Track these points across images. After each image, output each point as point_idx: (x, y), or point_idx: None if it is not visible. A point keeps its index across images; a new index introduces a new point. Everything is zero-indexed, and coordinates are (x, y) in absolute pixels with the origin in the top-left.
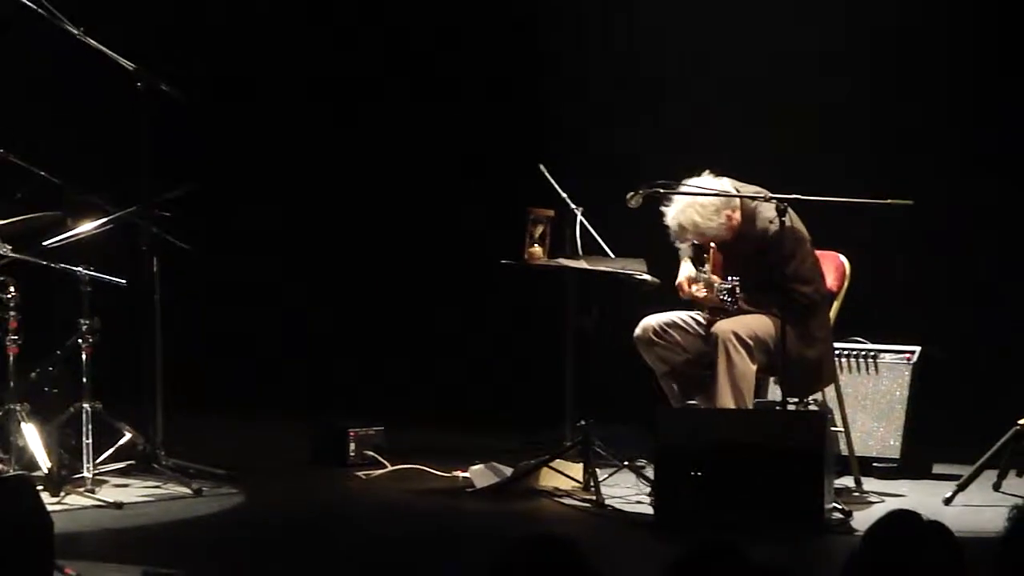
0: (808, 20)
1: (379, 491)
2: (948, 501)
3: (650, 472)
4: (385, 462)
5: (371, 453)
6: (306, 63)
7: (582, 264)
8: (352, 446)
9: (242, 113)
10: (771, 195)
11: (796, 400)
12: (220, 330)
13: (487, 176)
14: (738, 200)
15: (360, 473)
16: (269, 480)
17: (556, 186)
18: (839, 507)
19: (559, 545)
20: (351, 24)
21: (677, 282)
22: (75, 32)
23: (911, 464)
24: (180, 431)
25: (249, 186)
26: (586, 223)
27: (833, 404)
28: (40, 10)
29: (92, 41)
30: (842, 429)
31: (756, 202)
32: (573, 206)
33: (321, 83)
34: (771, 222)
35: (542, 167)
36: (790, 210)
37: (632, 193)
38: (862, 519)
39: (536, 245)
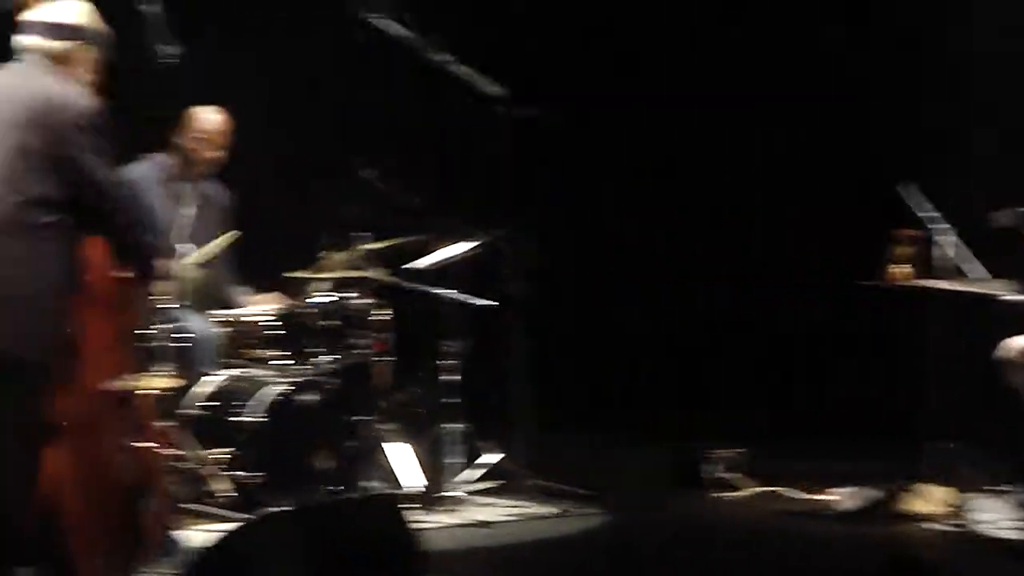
0: None
1: (741, 513)
2: None
3: (1018, 496)
4: (747, 484)
5: (733, 474)
6: (652, 80)
7: (943, 284)
8: (714, 467)
9: (600, 133)
10: None
11: None
12: (585, 351)
13: (848, 193)
14: None
15: (721, 495)
16: (631, 501)
17: (919, 205)
18: None
19: (923, 572)
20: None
21: None
22: (441, 59)
23: None
24: (546, 451)
25: (611, 206)
26: (950, 242)
27: None
28: (408, 37)
29: (459, 67)
30: None
31: None
32: (936, 226)
33: (661, 101)
34: None
35: (899, 188)
36: None
37: (999, 212)
38: None
39: (899, 265)
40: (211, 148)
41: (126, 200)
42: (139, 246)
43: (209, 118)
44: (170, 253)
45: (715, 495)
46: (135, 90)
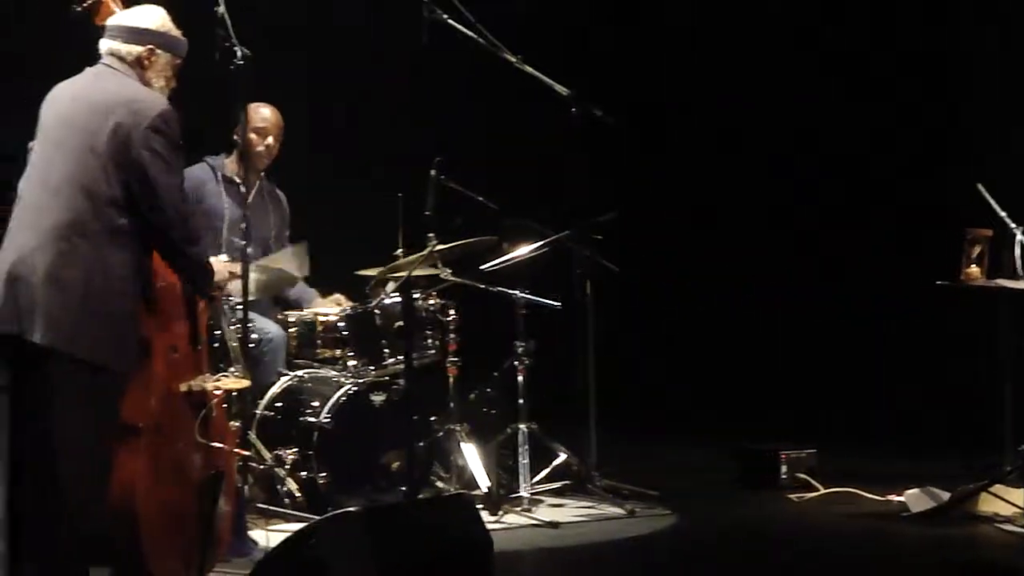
0: None
1: (811, 514)
2: None
3: None
4: (817, 485)
5: (803, 475)
6: (725, 85)
7: (1021, 285)
8: (783, 468)
9: (669, 136)
10: None
11: None
12: (656, 351)
13: (924, 192)
14: None
15: (792, 496)
16: (701, 502)
17: (995, 205)
18: None
19: (998, 574)
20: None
21: None
22: (512, 60)
23: None
24: (614, 452)
25: (680, 207)
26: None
27: None
28: (480, 39)
29: (528, 68)
30: None
31: None
32: (1013, 225)
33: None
34: None
35: (980, 187)
36: None
37: None
38: None
39: (973, 265)
40: (270, 136)
41: (184, 211)
42: (192, 257)
43: (264, 110)
44: (235, 255)
45: (787, 496)
46: (205, 91)
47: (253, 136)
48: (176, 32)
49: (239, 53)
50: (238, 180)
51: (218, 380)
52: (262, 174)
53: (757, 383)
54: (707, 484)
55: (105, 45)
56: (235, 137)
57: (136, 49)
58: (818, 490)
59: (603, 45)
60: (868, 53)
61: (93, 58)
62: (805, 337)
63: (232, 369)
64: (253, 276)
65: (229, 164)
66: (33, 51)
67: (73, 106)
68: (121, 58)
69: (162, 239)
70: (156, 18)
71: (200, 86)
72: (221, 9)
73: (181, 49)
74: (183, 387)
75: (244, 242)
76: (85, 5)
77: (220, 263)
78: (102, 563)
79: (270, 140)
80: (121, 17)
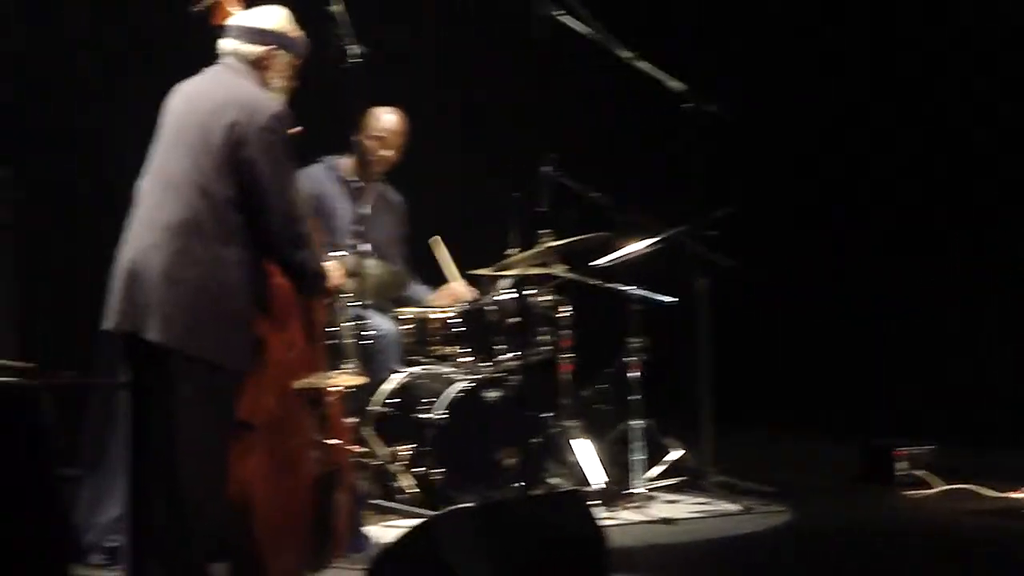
0: None
1: (929, 512)
2: None
3: None
4: (935, 481)
5: (920, 472)
6: (843, 73)
7: None
8: (901, 464)
9: (782, 131)
10: None
11: None
12: (767, 347)
13: None
14: None
15: (909, 493)
16: (816, 499)
17: None
18: None
19: None
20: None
21: None
22: (626, 55)
23: None
24: (729, 448)
25: (795, 202)
26: None
27: None
28: (593, 34)
29: (642, 63)
30: None
31: None
32: None
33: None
34: None
35: None
36: None
37: None
38: None
39: None
40: (387, 148)
41: (291, 212)
42: (296, 262)
43: (386, 118)
44: (355, 254)
45: (904, 493)
46: (321, 90)
47: (372, 143)
48: (297, 32)
49: (353, 51)
50: (356, 182)
51: (333, 377)
52: (382, 175)
53: (874, 379)
54: (823, 481)
55: (225, 45)
56: (355, 139)
57: (256, 49)
58: (936, 487)
59: (717, 40)
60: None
61: (211, 58)
62: (923, 331)
63: (347, 366)
64: (369, 275)
65: (347, 165)
66: (151, 49)
67: (191, 106)
68: (241, 58)
69: (268, 240)
70: (277, 18)
71: (314, 84)
72: (335, 7)
73: (301, 49)
74: (298, 385)
75: (360, 243)
76: (202, 5)
77: (335, 266)
78: (220, 559)
79: (390, 149)
80: (242, 17)
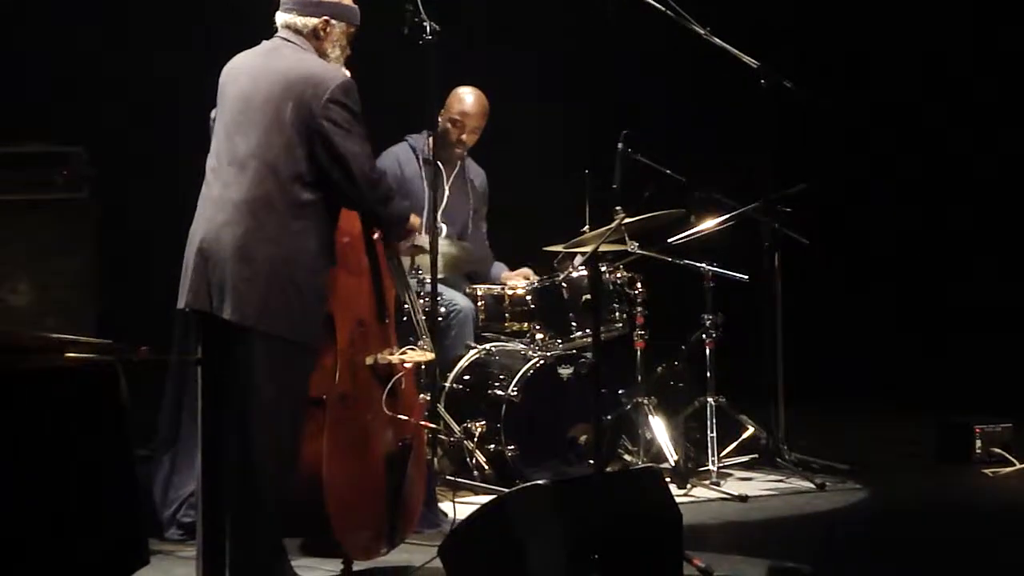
0: None
1: (1006, 490)
2: None
3: None
4: (1013, 459)
5: (999, 450)
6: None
7: None
8: (978, 443)
9: (859, 108)
10: None
11: None
12: (841, 324)
13: None
14: None
15: (987, 471)
16: (892, 476)
17: None
18: None
19: None
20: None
21: None
22: (701, 32)
23: None
24: (802, 425)
25: (868, 178)
26: None
27: None
28: (667, 11)
29: (717, 40)
30: None
31: None
32: None
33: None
34: None
35: None
36: None
37: None
38: None
39: None
40: (467, 128)
41: (373, 174)
42: (389, 217)
43: (467, 98)
44: (434, 230)
45: (981, 471)
46: (399, 69)
47: (450, 125)
48: (349, 0)
49: (429, 28)
50: (437, 159)
51: (404, 353)
52: (463, 153)
53: (951, 355)
54: (899, 458)
55: (281, 18)
56: (436, 118)
57: (312, 21)
58: (1014, 465)
59: (791, 15)
60: None
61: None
62: (1001, 306)
63: (419, 342)
64: (443, 252)
65: (429, 143)
66: (222, 23)
67: (254, 83)
68: (297, 31)
69: (360, 205)
70: None
71: (392, 62)
72: None
73: (355, 17)
74: (369, 360)
75: (438, 221)
76: None
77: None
78: (293, 534)
79: (470, 130)
80: None
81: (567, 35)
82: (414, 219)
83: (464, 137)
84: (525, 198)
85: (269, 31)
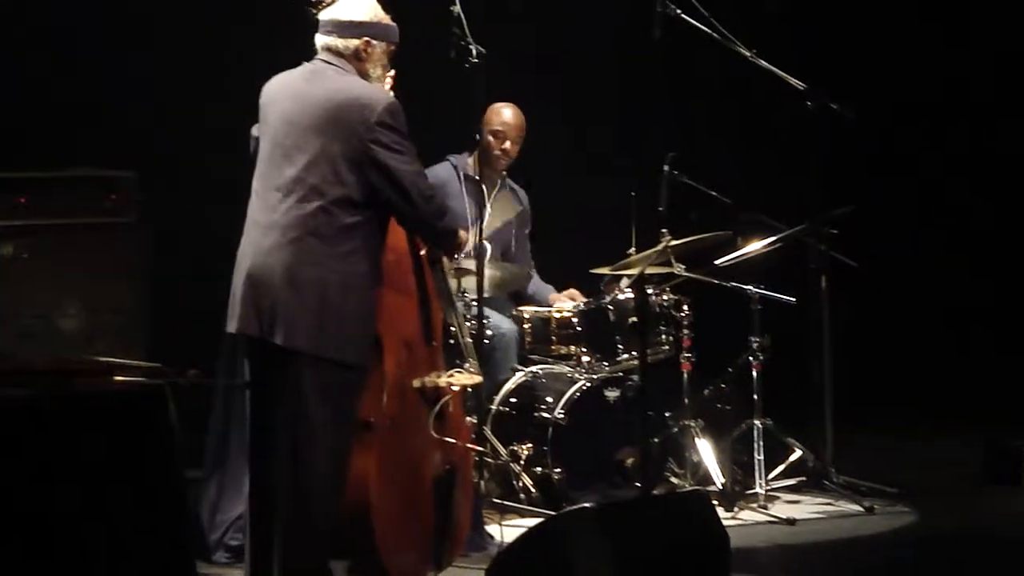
0: None
1: None
2: None
3: None
4: None
5: None
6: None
7: None
8: None
9: (904, 128)
10: None
11: None
12: (891, 345)
13: None
14: None
15: None
16: (941, 499)
17: None
18: None
19: None
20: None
21: None
22: (747, 54)
23: None
24: (851, 447)
25: (915, 200)
26: None
27: None
28: (714, 33)
29: (763, 62)
30: None
31: None
32: None
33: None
34: None
35: None
36: None
37: None
38: None
39: None
40: (506, 142)
41: (427, 191)
42: (442, 233)
43: (504, 112)
44: (479, 251)
45: None
46: (442, 90)
47: (490, 139)
48: (387, 19)
49: (475, 51)
50: (479, 178)
51: (451, 376)
52: (503, 173)
53: (1001, 376)
54: (948, 480)
55: (320, 40)
56: (477, 136)
57: (352, 43)
58: None
59: (838, 38)
60: None
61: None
62: None
63: (466, 365)
64: (488, 274)
65: (471, 163)
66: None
67: (298, 106)
68: (338, 53)
69: (416, 224)
70: (367, 8)
71: (438, 84)
72: (456, 8)
73: (394, 36)
74: (416, 383)
75: (482, 242)
76: (321, 6)
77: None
78: (340, 557)
79: (507, 144)
80: (334, 11)
81: (613, 56)
82: (463, 233)
83: (507, 147)
84: (571, 220)
85: (310, 53)
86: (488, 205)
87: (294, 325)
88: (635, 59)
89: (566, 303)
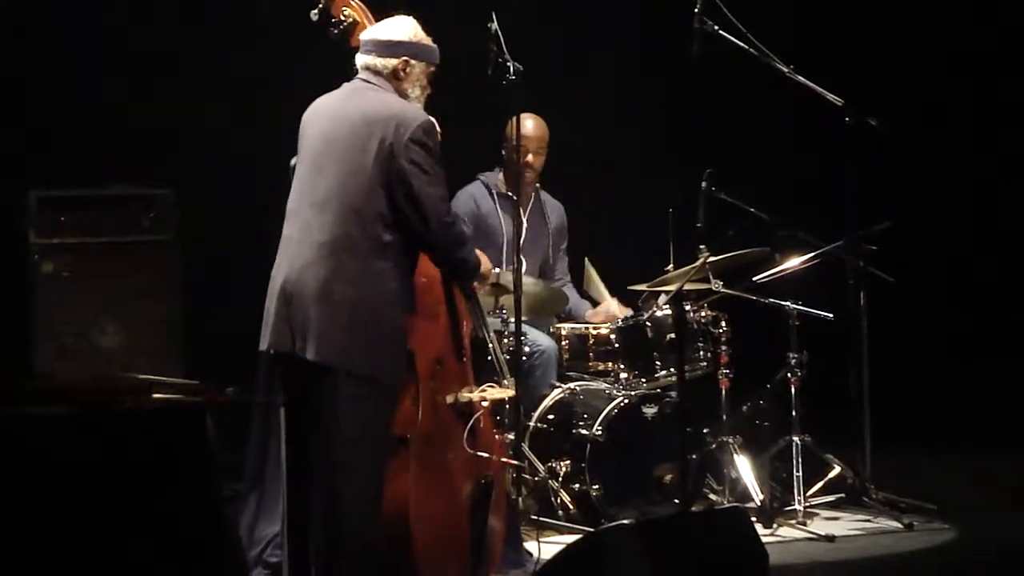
0: None
1: None
2: None
3: None
4: None
5: None
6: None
7: None
8: None
9: (941, 142)
10: None
11: None
12: (928, 361)
13: None
14: None
15: None
16: (981, 515)
17: None
18: None
19: None
20: None
21: None
22: (785, 70)
23: None
24: (890, 464)
25: (954, 215)
26: None
27: None
28: (751, 49)
29: (801, 78)
30: None
31: None
32: None
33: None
34: None
35: None
36: None
37: None
38: None
39: None
40: (531, 153)
41: (447, 218)
42: (462, 261)
43: (527, 123)
44: (514, 265)
45: None
46: (481, 108)
47: (515, 151)
48: (428, 40)
49: (512, 68)
50: (512, 195)
51: (483, 391)
52: (537, 186)
53: None
54: (988, 497)
55: (361, 60)
56: (503, 151)
57: (392, 62)
58: None
59: (877, 53)
60: None
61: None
62: None
63: (503, 381)
64: (528, 292)
65: (502, 179)
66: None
67: (335, 124)
68: (377, 72)
69: (431, 247)
70: (408, 29)
71: (475, 101)
72: (494, 25)
73: (434, 57)
74: (449, 399)
75: (518, 258)
76: (341, 28)
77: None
78: (377, 573)
79: (530, 156)
80: (374, 31)
81: (651, 72)
82: (486, 264)
83: (530, 159)
84: (609, 236)
85: (350, 73)
86: (524, 220)
87: (327, 341)
88: (673, 73)
89: (602, 320)
